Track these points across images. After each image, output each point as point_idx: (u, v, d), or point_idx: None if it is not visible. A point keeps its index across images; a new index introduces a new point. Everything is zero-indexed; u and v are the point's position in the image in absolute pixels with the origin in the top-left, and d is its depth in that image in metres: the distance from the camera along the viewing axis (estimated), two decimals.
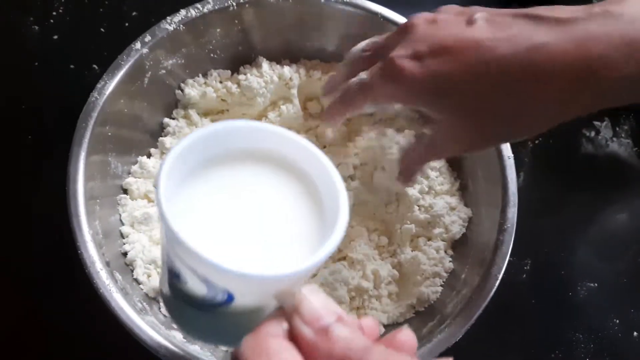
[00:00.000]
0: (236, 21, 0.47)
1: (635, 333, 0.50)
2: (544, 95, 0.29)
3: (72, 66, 0.57)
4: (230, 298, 0.25)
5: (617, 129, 0.59)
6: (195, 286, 0.25)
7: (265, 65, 0.49)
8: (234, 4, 0.46)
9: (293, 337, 0.21)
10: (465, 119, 0.31)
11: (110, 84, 0.42)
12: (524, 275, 0.51)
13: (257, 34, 0.49)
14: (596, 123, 0.59)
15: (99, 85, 0.42)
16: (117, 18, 0.59)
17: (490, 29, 0.29)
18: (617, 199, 0.57)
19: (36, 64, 0.57)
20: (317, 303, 0.22)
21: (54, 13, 0.59)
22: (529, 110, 0.30)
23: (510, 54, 0.28)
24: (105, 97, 0.42)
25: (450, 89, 0.30)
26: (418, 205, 0.45)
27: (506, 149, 0.43)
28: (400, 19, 0.46)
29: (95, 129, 0.42)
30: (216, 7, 0.46)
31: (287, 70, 0.49)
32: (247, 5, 0.46)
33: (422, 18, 0.32)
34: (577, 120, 0.58)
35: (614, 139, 0.58)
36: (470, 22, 0.30)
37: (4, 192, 0.51)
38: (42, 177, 0.51)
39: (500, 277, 0.40)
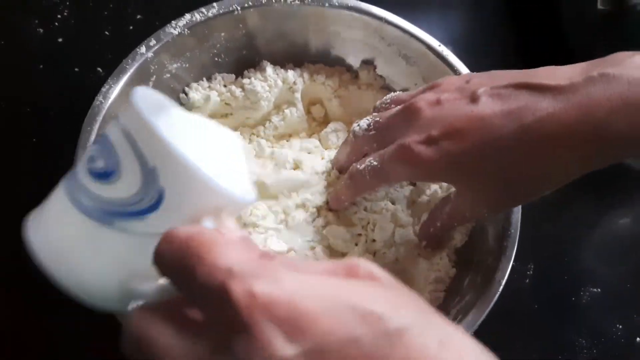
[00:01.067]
0: (240, 25, 0.47)
1: (638, 338, 0.50)
2: (553, 162, 0.30)
3: (76, 69, 0.57)
4: (157, 203, 0.24)
5: None
6: (129, 180, 0.24)
7: (269, 69, 0.49)
8: (239, 8, 0.46)
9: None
10: (483, 190, 0.33)
11: (115, 88, 0.43)
12: (527, 280, 0.51)
13: (261, 38, 0.49)
14: None
15: (103, 89, 0.42)
16: (122, 21, 0.59)
17: (495, 105, 0.30)
18: (620, 204, 0.57)
19: (40, 66, 0.57)
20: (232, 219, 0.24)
21: (59, 16, 0.59)
22: (540, 178, 0.31)
23: (517, 128, 0.29)
24: (110, 101, 0.42)
25: (465, 166, 0.32)
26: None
27: None
28: (404, 23, 0.46)
29: (100, 132, 0.42)
30: (221, 12, 0.46)
31: (291, 74, 0.49)
32: (251, 10, 0.46)
33: (425, 101, 0.33)
34: None
35: None
36: (473, 99, 0.31)
37: (4, 193, 0.51)
38: (44, 179, 0.51)
39: (503, 282, 0.40)
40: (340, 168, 0.43)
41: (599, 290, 0.52)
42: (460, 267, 0.45)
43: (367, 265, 0.22)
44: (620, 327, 0.51)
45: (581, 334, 0.50)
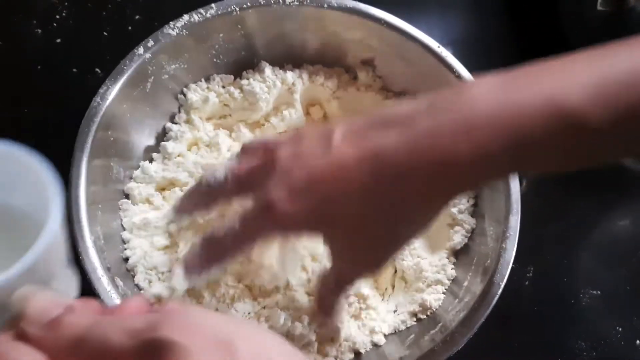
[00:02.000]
0: (239, 26, 0.47)
1: (638, 341, 0.50)
2: (412, 197, 0.29)
3: (74, 70, 0.57)
4: None
5: None
6: None
7: (267, 70, 0.49)
8: (237, 9, 0.46)
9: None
10: (352, 240, 0.32)
11: (113, 89, 0.42)
12: (527, 283, 0.50)
13: (259, 39, 0.49)
14: None
15: (101, 90, 0.42)
16: (120, 22, 0.59)
17: (349, 149, 0.29)
18: (619, 205, 0.57)
19: (39, 67, 0.57)
20: (43, 301, 0.23)
21: (57, 17, 0.59)
22: (405, 217, 0.30)
23: (371, 170, 0.29)
24: (107, 102, 0.42)
25: (329, 218, 0.31)
26: None
27: None
28: (403, 25, 0.46)
29: (98, 133, 0.42)
30: (219, 12, 0.46)
31: (289, 75, 0.49)
32: (250, 11, 0.46)
33: (285, 151, 0.31)
34: None
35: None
36: (329, 146, 0.30)
37: None
38: None
39: (503, 284, 0.40)
40: (179, 217, 0.40)
41: (599, 292, 0.52)
42: (460, 269, 0.45)
43: (169, 338, 0.21)
44: (620, 329, 0.50)
45: (581, 337, 0.50)
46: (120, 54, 0.53)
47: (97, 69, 0.57)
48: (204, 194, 0.36)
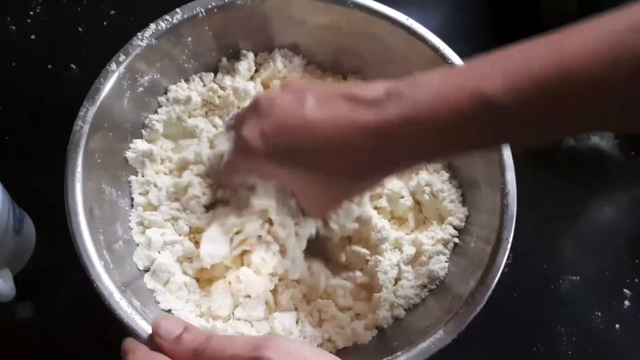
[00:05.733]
0: (207, 27, 0.47)
1: (617, 326, 0.51)
2: (358, 160, 0.35)
3: (49, 66, 0.56)
4: None
5: None
6: None
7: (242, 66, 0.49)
8: (203, 10, 0.45)
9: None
10: (307, 186, 0.39)
11: (92, 110, 0.42)
12: (506, 269, 0.50)
13: (229, 37, 0.49)
14: None
15: (81, 113, 0.41)
16: (96, 17, 0.59)
17: (318, 110, 0.35)
18: (599, 192, 0.57)
19: (13, 64, 0.56)
20: (168, 323, 0.32)
21: (31, 13, 0.59)
22: (346, 177, 0.36)
23: (329, 134, 0.35)
24: (88, 125, 0.41)
25: (289, 162, 0.37)
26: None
27: None
28: (370, 3, 0.46)
29: (85, 158, 0.41)
30: (185, 16, 0.45)
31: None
32: (215, 10, 0.46)
33: (267, 98, 0.38)
34: None
35: (596, 132, 0.59)
36: (302, 104, 0.36)
37: None
38: (21, 177, 0.50)
39: (511, 239, 0.41)
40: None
41: (578, 278, 0.52)
42: (462, 237, 0.46)
43: (271, 357, 0.28)
44: (600, 314, 0.51)
45: (560, 322, 0.50)
46: (96, 49, 0.53)
47: (72, 65, 0.56)
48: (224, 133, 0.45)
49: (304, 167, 0.37)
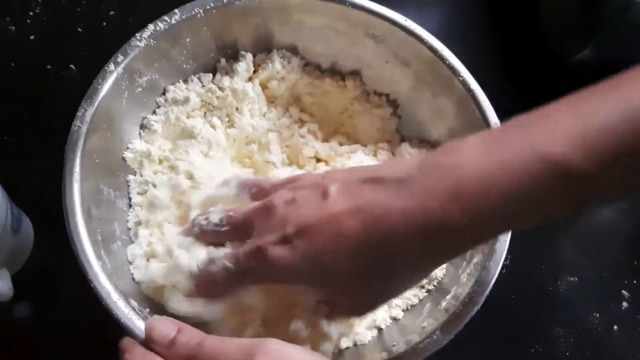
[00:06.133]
0: (205, 28, 0.47)
1: (615, 327, 0.51)
2: (397, 257, 0.30)
3: (49, 67, 0.56)
4: None
5: None
6: None
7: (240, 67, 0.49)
8: (201, 11, 0.45)
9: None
10: (341, 292, 0.33)
11: (90, 110, 0.42)
12: (504, 270, 0.50)
13: (227, 38, 0.49)
14: None
15: (79, 113, 0.41)
16: (95, 18, 0.59)
17: (343, 201, 0.30)
18: None
19: (12, 64, 0.56)
20: (161, 326, 0.32)
21: (31, 13, 0.59)
22: (389, 274, 0.31)
23: (362, 225, 0.29)
24: (87, 125, 0.41)
25: (320, 266, 0.31)
26: None
27: (492, 116, 0.43)
28: (368, 3, 0.46)
29: (83, 158, 0.41)
30: (183, 17, 0.45)
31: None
32: (213, 11, 0.46)
33: (281, 198, 0.33)
34: None
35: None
36: (325, 195, 0.31)
37: None
38: (19, 177, 0.51)
39: (508, 239, 0.40)
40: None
41: (577, 279, 0.52)
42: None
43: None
44: (598, 315, 0.51)
45: (558, 323, 0.50)
46: (96, 50, 0.53)
47: (71, 66, 0.56)
48: (198, 236, 0.37)
49: (339, 271, 0.31)
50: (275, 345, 0.29)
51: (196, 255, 0.36)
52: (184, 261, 0.36)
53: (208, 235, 0.36)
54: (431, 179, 0.28)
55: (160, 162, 0.47)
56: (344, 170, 0.33)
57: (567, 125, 0.27)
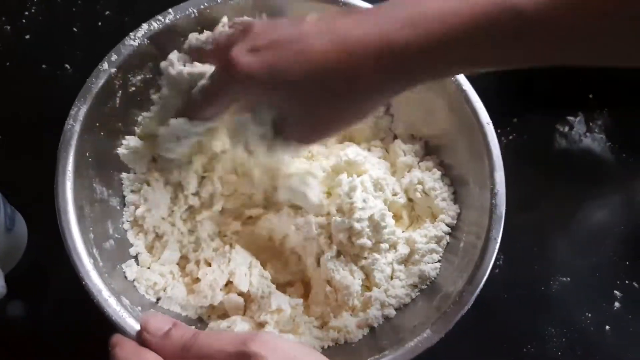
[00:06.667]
0: (199, 28, 0.47)
1: (607, 327, 0.51)
2: (355, 77, 0.33)
3: (44, 66, 0.57)
4: None
5: (591, 124, 0.59)
6: None
7: None
8: (195, 10, 0.46)
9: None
10: (298, 110, 0.36)
11: (83, 109, 0.42)
12: (497, 270, 0.51)
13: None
14: (570, 118, 0.59)
15: (72, 112, 0.42)
16: (91, 18, 0.59)
17: (315, 25, 0.34)
18: (590, 194, 0.57)
19: (8, 63, 0.57)
20: (157, 319, 0.32)
21: (27, 13, 0.59)
22: (342, 95, 0.34)
23: (327, 44, 0.33)
24: (80, 123, 0.42)
25: (283, 76, 0.34)
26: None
27: (484, 115, 0.44)
28: (363, 4, 0.46)
29: (76, 157, 0.41)
30: (178, 17, 0.45)
31: None
32: (207, 11, 0.46)
33: (260, 22, 0.36)
34: (550, 115, 0.59)
35: (588, 134, 0.59)
36: (300, 21, 0.34)
37: None
38: (14, 175, 0.51)
39: (499, 239, 0.41)
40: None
41: (569, 279, 0.52)
42: (453, 235, 0.46)
43: (258, 351, 0.28)
44: (590, 315, 0.51)
45: (551, 323, 0.50)
46: (91, 49, 0.53)
47: (67, 65, 0.57)
48: (194, 52, 0.40)
49: (299, 84, 0.34)
50: (269, 336, 0.29)
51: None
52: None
53: (194, 53, 0.40)
54: (395, 9, 0.32)
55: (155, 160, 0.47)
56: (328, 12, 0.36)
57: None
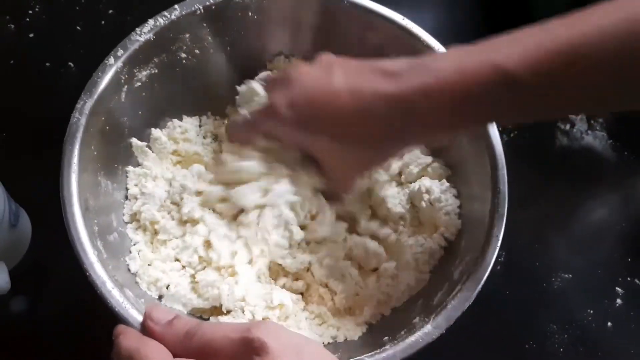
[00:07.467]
0: (204, 24, 0.47)
1: (609, 323, 0.51)
2: (376, 127, 0.38)
3: (47, 64, 0.57)
4: None
5: (592, 121, 0.59)
6: None
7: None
8: (201, 7, 0.46)
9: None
10: (328, 153, 0.41)
11: (89, 103, 0.42)
12: (499, 267, 0.51)
13: (226, 35, 0.49)
14: (571, 116, 0.59)
15: (78, 105, 0.42)
16: (94, 16, 0.60)
17: (345, 81, 0.38)
18: (592, 191, 0.57)
19: (12, 62, 0.57)
20: (160, 309, 0.33)
21: (30, 12, 0.59)
22: (364, 141, 0.39)
23: (353, 101, 0.37)
24: (86, 116, 0.42)
25: (315, 127, 0.39)
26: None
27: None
28: (366, 2, 0.47)
29: (82, 150, 0.41)
30: (183, 13, 0.46)
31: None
32: (213, 8, 0.46)
33: (297, 71, 0.41)
34: None
35: (589, 131, 0.59)
36: (331, 75, 0.39)
37: None
38: (17, 172, 0.51)
39: (500, 237, 0.41)
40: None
41: (571, 276, 0.52)
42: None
43: (261, 337, 0.28)
44: (591, 312, 0.51)
45: (552, 320, 0.50)
46: (94, 48, 0.54)
47: (70, 63, 0.57)
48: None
49: (328, 135, 0.39)
50: (272, 325, 0.30)
51: None
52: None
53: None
54: (413, 74, 0.36)
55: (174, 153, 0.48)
56: (347, 59, 0.40)
57: (524, 43, 0.34)
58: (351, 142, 0.39)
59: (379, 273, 0.46)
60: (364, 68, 0.38)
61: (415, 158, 0.48)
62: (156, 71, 0.47)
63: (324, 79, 0.39)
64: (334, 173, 0.43)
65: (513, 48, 0.34)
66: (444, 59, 0.37)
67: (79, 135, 0.41)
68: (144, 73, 0.46)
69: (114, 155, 0.46)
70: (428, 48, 0.46)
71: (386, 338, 0.40)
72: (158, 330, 0.31)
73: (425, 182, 0.47)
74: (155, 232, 0.45)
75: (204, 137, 0.51)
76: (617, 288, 0.52)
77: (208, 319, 0.43)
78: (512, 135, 0.57)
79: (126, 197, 0.46)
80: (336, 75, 0.38)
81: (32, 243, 0.49)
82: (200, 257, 0.43)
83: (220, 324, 0.32)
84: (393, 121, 0.37)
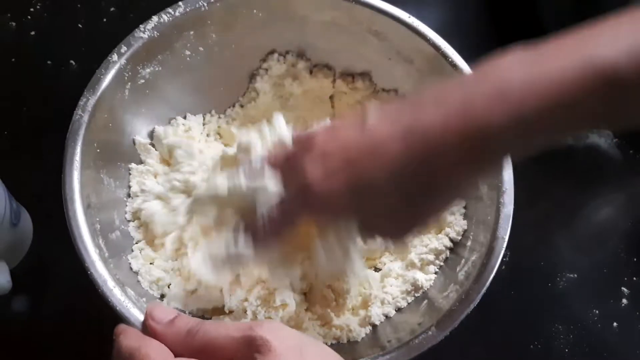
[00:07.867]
0: (209, 21, 0.47)
1: (615, 324, 0.50)
2: (440, 168, 0.30)
3: (49, 62, 0.56)
4: None
5: None
6: None
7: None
8: (205, 4, 0.45)
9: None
10: (384, 214, 0.33)
11: (92, 100, 0.42)
12: (503, 267, 0.50)
13: (231, 32, 0.49)
14: None
15: (81, 102, 0.42)
16: (95, 14, 0.59)
17: (381, 127, 0.31)
18: (597, 190, 0.57)
19: (13, 59, 0.56)
20: (160, 310, 0.32)
21: (32, 9, 0.59)
22: (437, 189, 0.31)
23: (405, 146, 0.30)
24: (89, 113, 0.41)
25: (366, 191, 0.32)
26: None
27: None
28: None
29: (84, 147, 0.41)
30: (187, 10, 0.45)
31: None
32: (217, 4, 0.46)
33: (321, 136, 0.33)
34: None
35: (594, 130, 0.58)
36: (363, 126, 0.31)
37: None
38: (19, 171, 0.51)
39: (507, 238, 0.41)
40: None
41: (576, 276, 0.52)
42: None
43: (264, 335, 0.27)
44: (597, 312, 0.51)
45: (557, 320, 0.50)
46: (96, 46, 0.53)
47: (72, 62, 0.57)
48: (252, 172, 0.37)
49: (381, 195, 0.31)
50: (275, 324, 0.30)
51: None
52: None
53: (252, 172, 0.36)
54: (472, 88, 0.29)
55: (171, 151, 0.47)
56: (379, 104, 0.34)
57: (617, 38, 0.28)
58: (413, 193, 0.31)
59: (384, 273, 0.45)
60: (397, 105, 0.32)
61: None
62: (160, 68, 0.47)
63: (357, 131, 0.31)
64: (386, 230, 0.35)
65: (612, 44, 0.28)
66: (505, 66, 0.29)
67: (82, 132, 0.41)
68: (148, 70, 0.46)
69: (117, 152, 0.45)
70: (434, 46, 0.46)
71: (390, 340, 0.40)
72: (159, 330, 0.31)
73: None
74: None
75: (208, 135, 0.50)
76: (623, 288, 0.52)
77: (210, 319, 0.43)
78: None
79: (129, 195, 0.45)
80: (370, 121, 0.31)
81: (33, 242, 0.49)
82: None
83: (222, 323, 0.31)
84: (456, 150, 0.29)
